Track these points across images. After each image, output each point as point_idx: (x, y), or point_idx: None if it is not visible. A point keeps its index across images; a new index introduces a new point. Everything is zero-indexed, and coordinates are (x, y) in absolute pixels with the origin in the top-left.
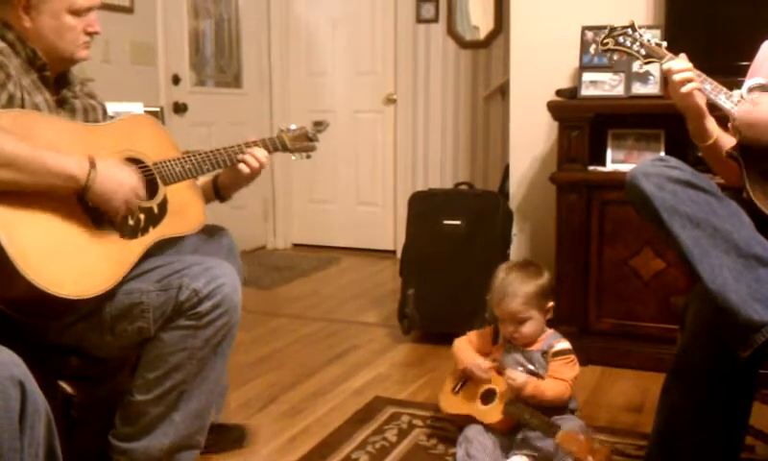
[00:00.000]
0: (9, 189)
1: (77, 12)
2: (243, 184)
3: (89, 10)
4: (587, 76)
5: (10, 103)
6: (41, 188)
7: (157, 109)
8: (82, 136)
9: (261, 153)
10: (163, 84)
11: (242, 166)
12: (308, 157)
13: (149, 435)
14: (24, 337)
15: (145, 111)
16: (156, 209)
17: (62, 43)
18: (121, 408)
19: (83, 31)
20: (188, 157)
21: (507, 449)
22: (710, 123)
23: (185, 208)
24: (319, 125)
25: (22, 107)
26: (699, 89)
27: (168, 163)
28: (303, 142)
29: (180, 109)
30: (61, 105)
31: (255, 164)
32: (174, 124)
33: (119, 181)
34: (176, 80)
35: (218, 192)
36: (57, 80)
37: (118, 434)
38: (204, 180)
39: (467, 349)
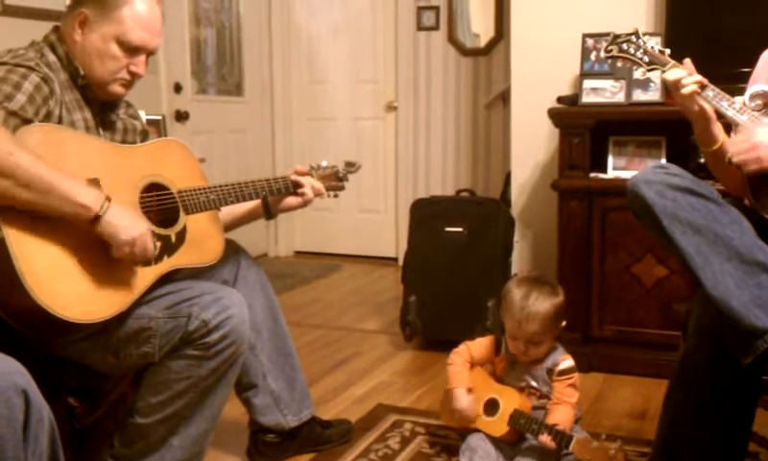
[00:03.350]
0: (22, 208)
1: (125, 46)
2: (291, 209)
3: (139, 50)
4: (587, 83)
5: (47, 119)
6: (55, 214)
7: (159, 118)
8: (109, 157)
9: (311, 182)
10: (165, 93)
11: (305, 191)
12: (335, 196)
13: (146, 458)
14: (28, 347)
15: (147, 120)
16: (173, 238)
17: (101, 68)
18: (120, 429)
19: (126, 67)
20: (213, 188)
21: (511, 458)
22: (716, 128)
23: (204, 239)
24: (351, 165)
25: (59, 124)
26: (699, 93)
27: (192, 192)
28: (332, 181)
29: (181, 117)
30: (105, 125)
31: (311, 195)
32: (175, 132)
33: (126, 228)
34: (177, 88)
35: (267, 209)
36: (104, 101)
37: (116, 454)
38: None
39: (460, 371)
